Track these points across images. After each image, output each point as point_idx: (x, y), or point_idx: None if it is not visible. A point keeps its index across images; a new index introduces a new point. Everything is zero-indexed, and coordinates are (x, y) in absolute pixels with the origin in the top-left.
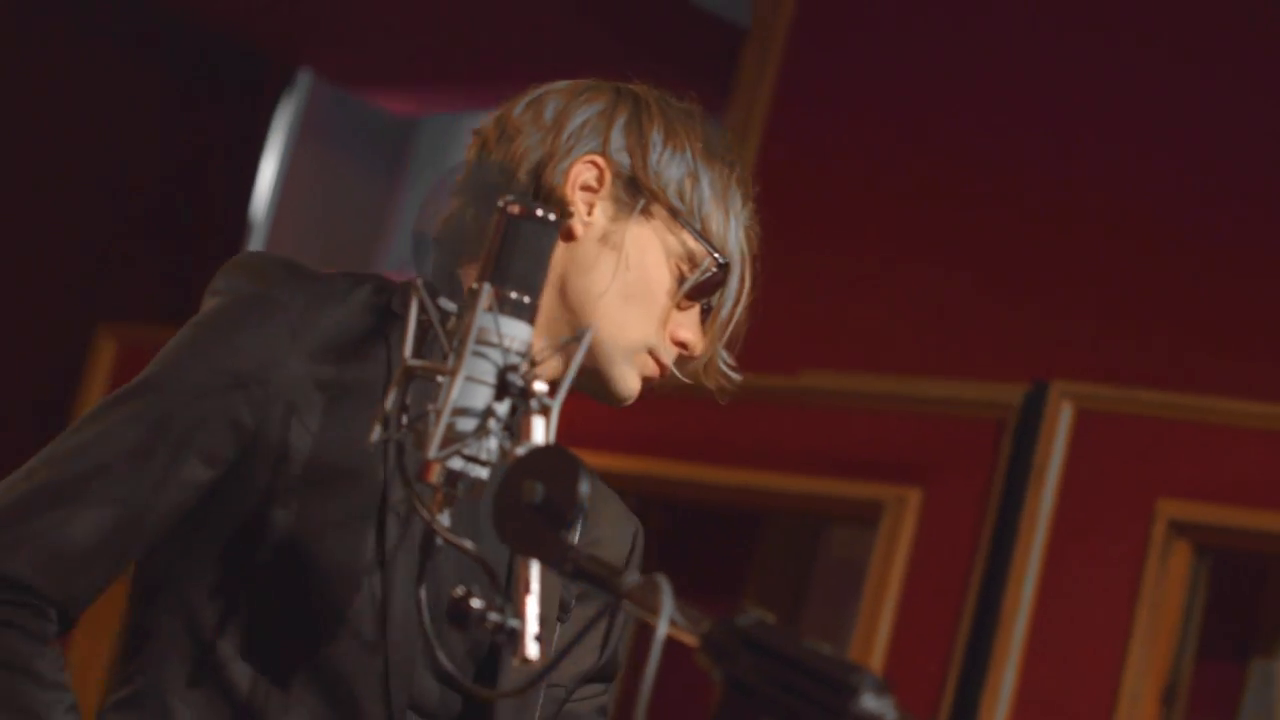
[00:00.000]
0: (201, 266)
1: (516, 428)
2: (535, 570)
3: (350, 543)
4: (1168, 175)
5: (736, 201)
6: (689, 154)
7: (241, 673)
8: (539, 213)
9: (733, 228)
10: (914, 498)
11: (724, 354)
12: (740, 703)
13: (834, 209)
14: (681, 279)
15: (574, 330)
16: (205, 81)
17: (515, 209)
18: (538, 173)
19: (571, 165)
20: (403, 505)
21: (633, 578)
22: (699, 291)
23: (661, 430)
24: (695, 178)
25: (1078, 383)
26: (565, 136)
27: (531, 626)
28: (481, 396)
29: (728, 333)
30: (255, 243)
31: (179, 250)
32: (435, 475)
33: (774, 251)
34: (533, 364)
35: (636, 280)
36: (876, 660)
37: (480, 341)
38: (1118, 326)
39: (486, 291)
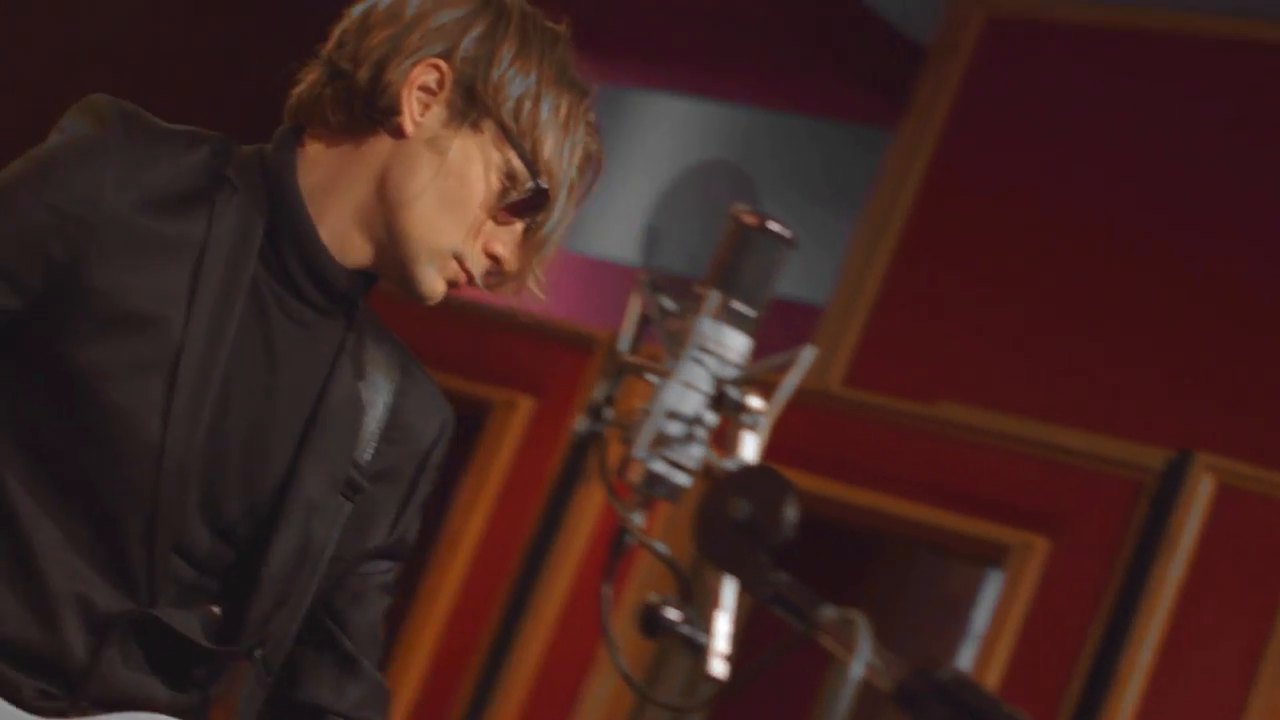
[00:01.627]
0: None
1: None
2: (730, 588)
3: (136, 388)
4: None
5: (579, 130)
6: (535, 75)
7: (18, 496)
8: (772, 226)
9: (565, 154)
10: (1041, 546)
11: (538, 274)
12: None
13: (996, 243)
14: (503, 194)
15: (387, 226)
16: None
17: (750, 219)
18: (381, 67)
19: (414, 65)
20: (198, 360)
21: (829, 612)
22: (517, 210)
23: (790, 441)
24: (536, 99)
25: (1222, 457)
26: (417, 36)
27: (720, 644)
28: (693, 403)
29: (542, 253)
30: None
31: None
32: (637, 474)
33: (926, 278)
34: (749, 379)
35: (455, 187)
36: None
37: (700, 347)
38: (1269, 407)
39: (714, 299)
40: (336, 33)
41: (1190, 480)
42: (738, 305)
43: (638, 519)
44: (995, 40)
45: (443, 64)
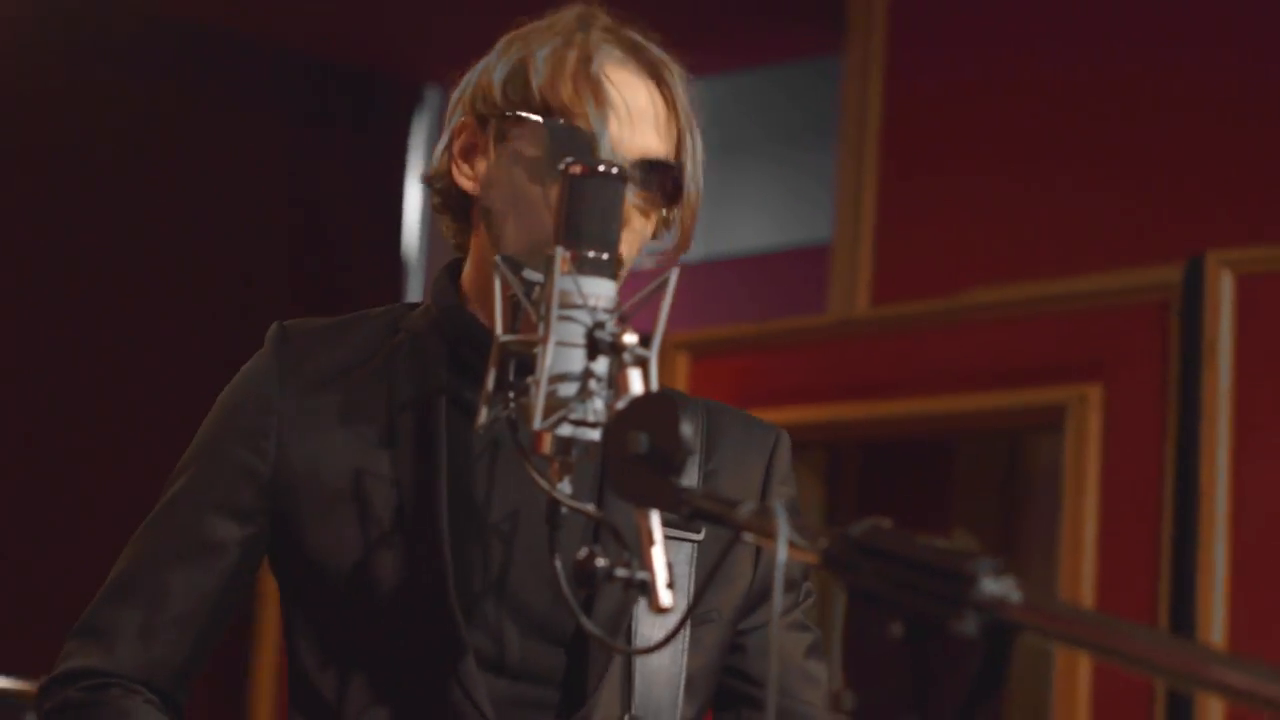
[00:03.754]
0: (358, 302)
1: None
2: (655, 519)
3: (369, 548)
4: None
5: (599, 63)
6: (521, 52)
7: (330, 691)
8: (600, 169)
9: (588, 91)
10: (1094, 394)
11: (661, 230)
12: (867, 611)
13: (963, 132)
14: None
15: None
16: (332, 116)
17: (576, 169)
18: (437, 155)
19: (451, 139)
20: (416, 493)
21: (748, 507)
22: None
23: (839, 374)
24: (526, 62)
25: (1234, 249)
26: (451, 113)
27: (661, 575)
28: (576, 359)
29: (647, 199)
30: (414, 274)
31: (330, 295)
32: (547, 445)
33: (915, 180)
34: (622, 318)
35: (519, 199)
36: (1088, 559)
37: (565, 305)
38: (1266, 191)
39: (561, 255)
40: None
41: (1210, 282)
42: (590, 253)
43: (566, 487)
44: None
45: (464, 118)
